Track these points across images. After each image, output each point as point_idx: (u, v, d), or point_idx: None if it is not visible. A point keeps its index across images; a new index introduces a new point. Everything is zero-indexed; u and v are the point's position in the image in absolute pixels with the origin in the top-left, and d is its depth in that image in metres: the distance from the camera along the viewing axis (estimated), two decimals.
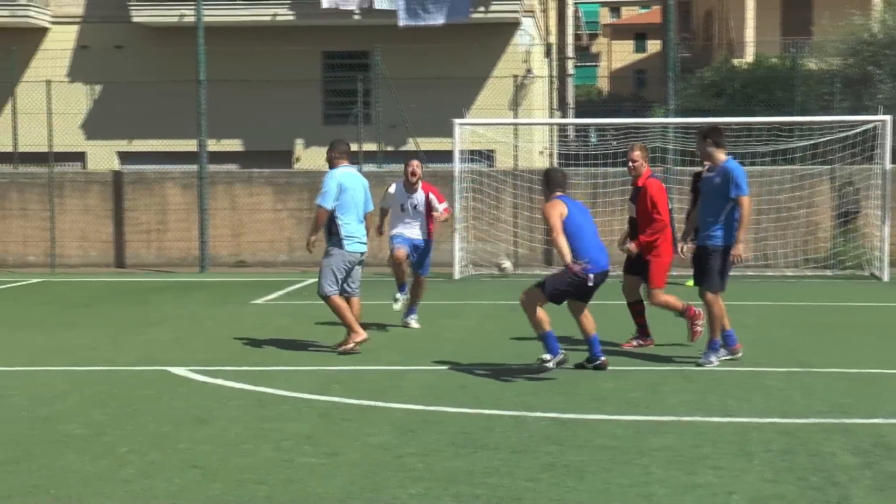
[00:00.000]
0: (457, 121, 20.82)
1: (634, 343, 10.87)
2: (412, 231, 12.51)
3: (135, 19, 27.29)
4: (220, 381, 9.77)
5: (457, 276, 19.06)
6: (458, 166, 20.43)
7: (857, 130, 19.67)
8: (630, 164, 10.67)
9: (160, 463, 6.49)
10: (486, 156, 23.78)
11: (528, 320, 9.10)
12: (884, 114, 19.97)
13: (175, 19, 26.57)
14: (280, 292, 16.78)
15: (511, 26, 27.48)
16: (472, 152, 22.02)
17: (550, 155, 29.13)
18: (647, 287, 10.68)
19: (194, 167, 21.72)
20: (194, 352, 11.14)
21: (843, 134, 19.74)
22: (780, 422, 7.53)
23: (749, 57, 35.69)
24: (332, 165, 11.28)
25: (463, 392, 8.55)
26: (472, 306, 15.15)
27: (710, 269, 9.54)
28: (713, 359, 9.41)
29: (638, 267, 10.63)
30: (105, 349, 11.32)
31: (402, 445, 6.63)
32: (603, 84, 57.30)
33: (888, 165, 18.53)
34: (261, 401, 8.66)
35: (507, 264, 20.93)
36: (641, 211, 10.49)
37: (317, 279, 10.98)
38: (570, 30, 40.58)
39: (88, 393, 9.10)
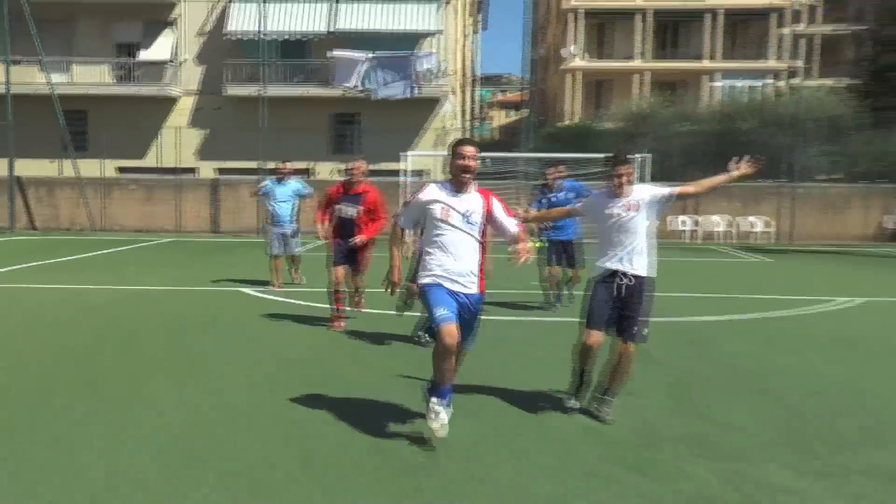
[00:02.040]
0: (403, 153, 27.35)
1: (342, 324, 10.30)
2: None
3: (225, 93, 33.07)
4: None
5: None
6: (402, 179, 26.06)
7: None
8: (352, 171, 10.11)
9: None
10: (422, 174, 29.18)
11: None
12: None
13: (252, 93, 31.68)
14: None
15: (440, 99, 33.67)
16: (414, 171, 27.93)
17: None
18: (357, 271, 10.41)
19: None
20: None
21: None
22: None
23: (572, 120, 42.33)
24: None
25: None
26: None
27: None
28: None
29: (350, 258, 10.23)
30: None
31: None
32: (494, 133, 67.14)
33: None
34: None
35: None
36: (365, 211, 10.09)
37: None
38: (475, 101, 47.67)
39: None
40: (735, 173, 6.75)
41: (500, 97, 72.23)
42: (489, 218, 6.01)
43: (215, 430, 6.33)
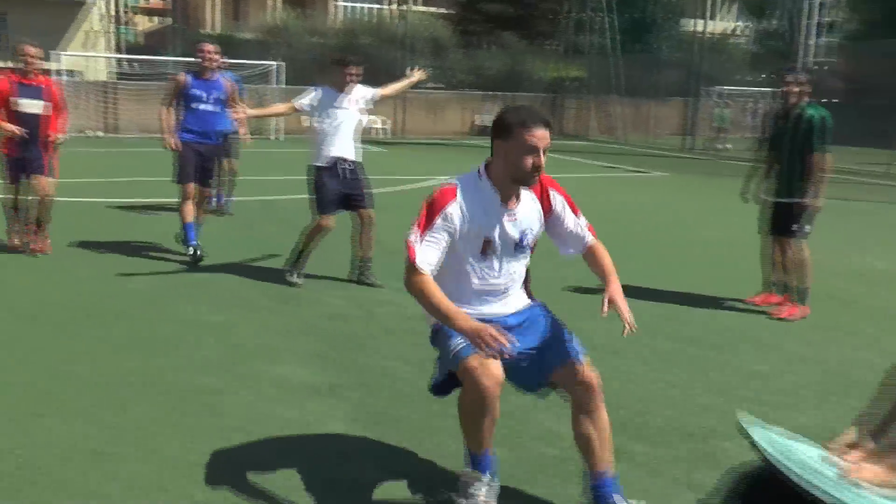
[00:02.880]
0: (55, 52, 24.78)
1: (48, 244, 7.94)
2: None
3: None
4: None
5: None
6: (56, 78, 22.84)
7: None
8: (27, 56, 7.56)
9: None
10: (73, 73, 27.31)
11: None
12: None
13: None
14: None
15: (86, 1, 32.06)
16: (67, 70, 25.85)
17: (111, 74, 30.93)
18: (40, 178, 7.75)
19: None
20: None
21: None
22: None
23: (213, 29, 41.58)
24: None
25: None
26: None
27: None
28: None
29: (36, 165, 7.72)
30: None
31: None
32: (139, 38, 63.05)
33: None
34: None
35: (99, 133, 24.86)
36: (54, 106, 7.74)
37: None
38: (118, 5, 46.09)
39: None
40: (413, 78, 7.44)
41: (142, 4, 67.81)
42: (548, 226, 3.38)
43: None
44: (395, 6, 45.46)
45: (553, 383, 3.26)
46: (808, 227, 6.71)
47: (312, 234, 7.05)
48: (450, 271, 3.22)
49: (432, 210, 3.11)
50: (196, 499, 3.37)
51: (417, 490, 3.52)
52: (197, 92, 7.77)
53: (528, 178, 3.13)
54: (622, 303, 3.13)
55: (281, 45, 32.12)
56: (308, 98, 6.99)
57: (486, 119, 33.28)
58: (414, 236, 3.10)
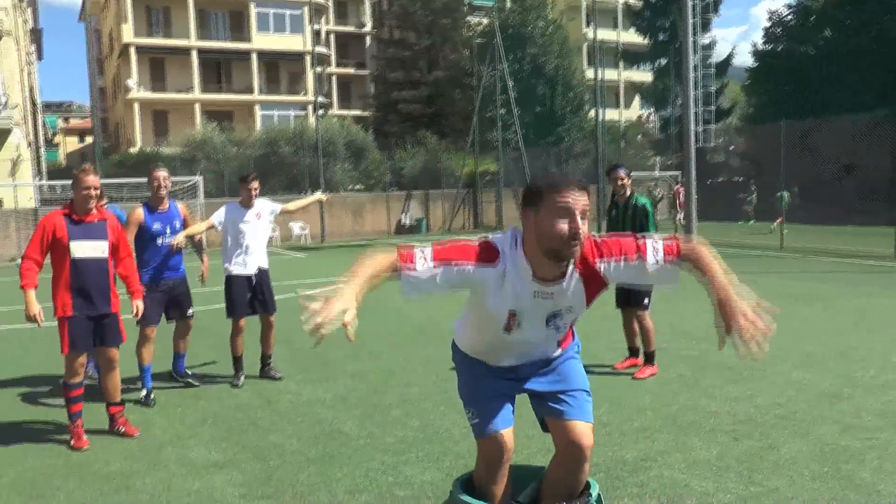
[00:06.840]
0: None
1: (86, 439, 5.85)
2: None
3: None
4: None
5: None
6: None
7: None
8: (85, 180, 5.54)
9: None
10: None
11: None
12: None
13: None
14: None
15: (11, 130, 31.79)
16: None
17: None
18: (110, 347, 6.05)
19: None
20: None
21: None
22: None
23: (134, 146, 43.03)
24: None
25: None
26: None
27: None
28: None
29: (97, 333, 5.85)
30: None
31: None
32: (62, 160, 62.73)
33: None
34: None
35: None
36: (113, 249, 5.88)
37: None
38: (46, 128, 46.16)
39: None
40: (314, 198, 8.34)
41: (66, 125, 68.02)
42: (621, 283, 3.13)
43: None
44: (320, 112, 47.18)
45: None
46: (647, 300, 7.79)
47: (233, 337, 7.75)
48: (476, 322, 3.06)
49: (465, 255, 2.79)
50: None
51: None
52: (156, 226, 7.22)
53: (563, 249, 2.69)
54: (734, 307, 2.54)
55: (202, 159, 32.92)
56: (218, 214, 7.70)
57: (410, 217, 34.63)
58: (425, 257, 2.76)
